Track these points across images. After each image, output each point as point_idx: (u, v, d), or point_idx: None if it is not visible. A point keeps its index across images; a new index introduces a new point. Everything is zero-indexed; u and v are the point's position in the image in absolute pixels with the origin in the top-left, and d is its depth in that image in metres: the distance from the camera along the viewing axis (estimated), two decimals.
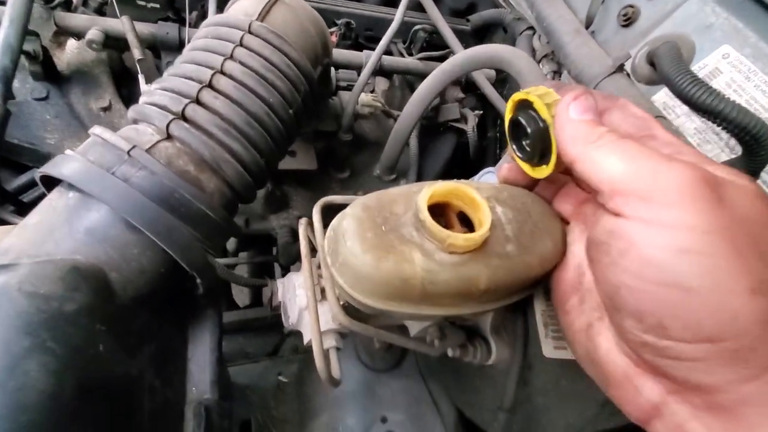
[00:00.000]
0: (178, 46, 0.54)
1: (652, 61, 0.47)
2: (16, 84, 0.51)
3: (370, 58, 0.56)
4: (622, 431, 0.35)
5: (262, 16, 0.35)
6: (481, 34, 0.80)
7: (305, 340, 0.32)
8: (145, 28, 0.54)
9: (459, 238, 0.22)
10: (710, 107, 0.36)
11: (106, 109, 0.55)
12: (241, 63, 0.32)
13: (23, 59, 0.50)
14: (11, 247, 0.25)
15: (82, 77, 0.57)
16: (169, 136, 0.29)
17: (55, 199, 0.28)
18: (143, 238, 0.27)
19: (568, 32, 0.59)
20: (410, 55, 0.70)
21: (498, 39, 0.83)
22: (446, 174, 0.68)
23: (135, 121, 0.32)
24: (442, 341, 0.34)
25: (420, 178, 0.61)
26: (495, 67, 0.46)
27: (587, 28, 0.61)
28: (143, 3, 0.61)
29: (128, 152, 0.27)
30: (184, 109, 0.30)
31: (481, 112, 0.70)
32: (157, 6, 0.62)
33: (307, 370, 0.56)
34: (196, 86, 0.31)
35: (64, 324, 0.23)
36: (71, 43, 0.57)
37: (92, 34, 0.50)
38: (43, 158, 0.53)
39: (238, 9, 0.37)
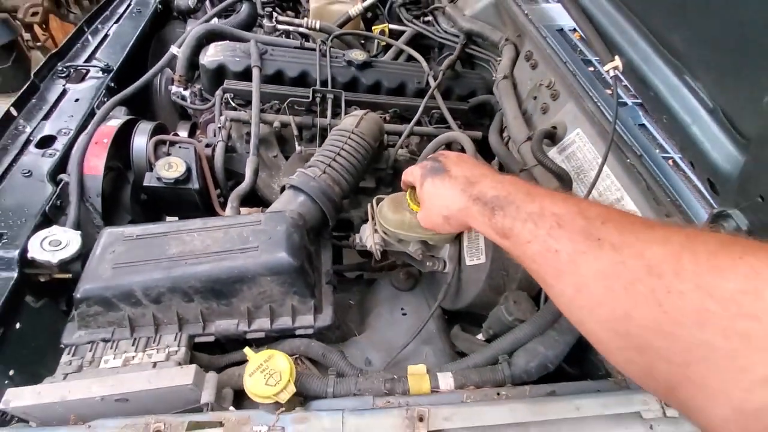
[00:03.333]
0: (311, 126, 1.12)
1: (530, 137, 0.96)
2: (237, 146, 1.12)
3: (406, 128, 1.10)
4: None
5: (358, 125, 0.90)
6: (477, 110, 1.31)
7: (368, 246, 0.84)
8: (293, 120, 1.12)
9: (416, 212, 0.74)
10: (541, 163, 0.84)
11: (275, 156, 1.14)
12: (350, 146, 0.87)
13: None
14: (281, 213, 0.81)
15: (264, 141, 1.16)
16: (324, 172, 0.85)
17: (288, 193, 0.84)
18: (316, 206, 0.82)
19: (512, 116, 1.09)
20: (430, 124, 1.23)
21: (491, 112, 1.33)
22: None
23: (307, 166, 0.88)
24: (423, 255, 0.84)
25: None
26: (458, 142, 0.98)
27: (524, 114, 1.10)
28: None
29: (314, 177, 0.82)
30: (329, 163, 0.85)
31: None
32: None
33: (366, 294, 1.08)
34: (332, 155, 0.86)
35: (298, 229, 0.77)
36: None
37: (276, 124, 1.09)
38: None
39: (345, 122, 0.93)
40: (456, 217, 0.63)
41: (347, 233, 0.97)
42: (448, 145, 1.06)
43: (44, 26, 2.92)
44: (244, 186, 0.90)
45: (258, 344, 0.79)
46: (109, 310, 0.71)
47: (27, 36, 2.89)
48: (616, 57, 0.81)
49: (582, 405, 0.58)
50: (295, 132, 1.08)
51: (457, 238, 0.87)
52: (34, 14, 2.77)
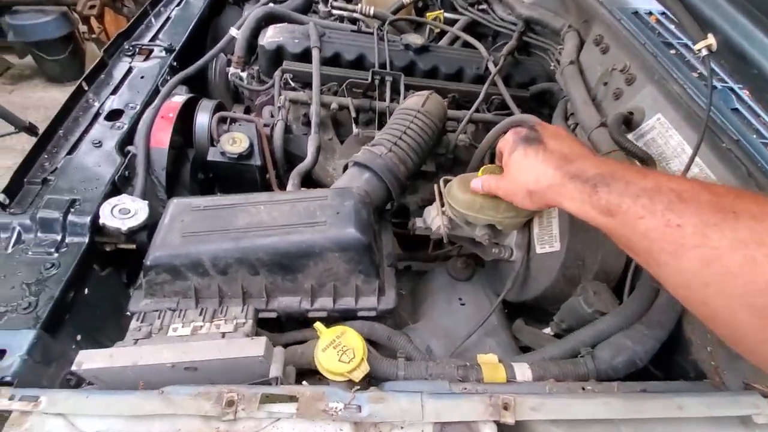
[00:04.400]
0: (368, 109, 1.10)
1: (608, 121, 0.90)
2: (294, 128, 1.11)
3: (465, 114, 1.06)
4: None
5: (423, 104, 0.87)
6: (537, 98, 1.26)
7: (433, 228, 0.80)
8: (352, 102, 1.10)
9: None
10: (623, 147, 0.79)
11: (330, 139, 1.12)
12: (416, 126, 0.84)
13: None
14: (348, 190, 0.79)
15: (320, 123, 1.15)
16: (391, 150, 0.82)
17: (353, 170, 0.81)
18: (381, 184, 0.79)
19: (581, 102, 1.03)
20: (488, 111, 1.19)
21: (550, 100, 1.28)
22: None
23: (372, 145, 0.85)
24: (490, 240, 0.80)
25: None
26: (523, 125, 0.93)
27: (594, 99, 1.04)
28: None
29: (380, 155, 0.80)
30: (395, 142, 0.82)
31: None
32: None
33: (419, 284, 1.05)
34: (399, 133, 0.83)
35: (365, 206, 0.75)
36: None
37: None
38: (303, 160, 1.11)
39: (409, 101, 0.90)
40: (542, 194, 0.58)
41: (403, 219, 0.95)
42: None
43: (100, 19, 3.04)
44: (305, 163, 0.89)
45: None
46: (177, 279, 0.70)
47: (83, 28, 3.02)
48: (710, 35, 0.75)
49: (685, 404, 0.53)
50: (353, 114, 1.06)
51: (526, 225, 0.83)
52: (92, 7, 2.89)
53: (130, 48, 1.13)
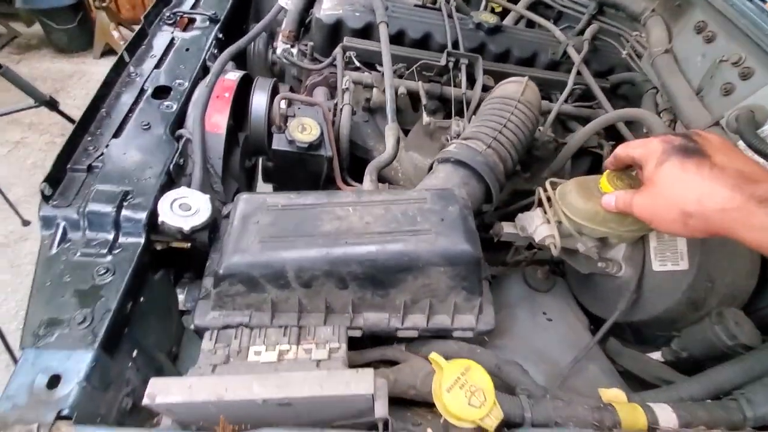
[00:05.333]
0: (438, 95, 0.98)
1: (737, 119, 0.79)
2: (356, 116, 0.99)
3: (549, 107, 0.95)
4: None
5: (523, 93, 0.76)
6: (615, 88, 1.14)
7: (537, 239, 0.70)
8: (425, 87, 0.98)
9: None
10: (759, 150, 0.68)
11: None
12: (517, 118, 0.73)
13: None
14: (449, 192, 0.68)
15: (379, 110, 1.03)
16: (489, 146, 0.71)
17: (446, 167, 0.70)
18: (481, 185, 0.69)
19: (684, 97, 0.92)
20: (566, 102, 1.07)
21: (628, 92, 1.16)
22: None
23: (465, 138, 0.74)
24: (600, 253, 0.70)
25: None
26: (638, 121, 0.82)
27: (698, 94, 0.93)
28: None
29: (480, 152, 0.69)
30: (495, 136, 0.71)
31: (614, 142, 1.04)
32: None
33: (492, 288, 0.95)
34: (499, 127, 0.72)
35: (470, 212, 0.64)
36: (375, 91, 1.04)
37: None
38: (365, 151, 0.99)
39: (506, 89, 0.78)
40: (705, 218, 0.48)
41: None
42: (610, 134, 0.90)
43: None
44: (385, 156, 0.77)
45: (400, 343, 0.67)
46: (252, 291, 0.60)
47: None
48: None
49: None
50: (424, 101, 0.94)
51: (641, 238, 0.72)
52: None
53: (171, 15, 1.00)
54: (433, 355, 0.52)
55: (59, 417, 0.48)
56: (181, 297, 0.74)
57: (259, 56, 1.25)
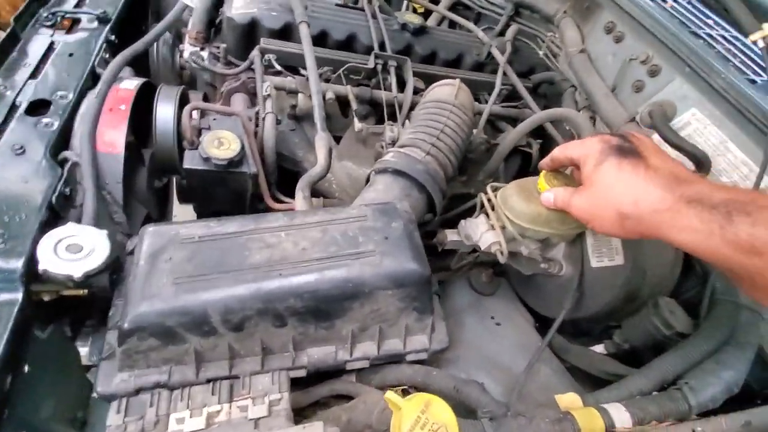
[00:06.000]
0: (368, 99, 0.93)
1: (650, 115, 0.84)
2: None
3: (481, 108, 0.94)
4: None
5: (456, 97, 0.73)
6: (536, 88, 1.18)
7: (483, 247, 0.68)
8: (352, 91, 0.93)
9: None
10: (675, 144, 0.72)
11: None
12: (454, 122, 0.70)
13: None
14: (377, 198, 0.63)
15: (308, 117, 0.96)
16: (428, 153, 0.67)
17: (385, 178, 0.65)
18: (423, 196, 0.65)
19: (601, 95, 0.96)
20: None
21: (548, 91, 1.20)
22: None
23: (402, 146, 0.70)
24: (542, 254, 0.70)
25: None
26: (564, 121, 0.84)
27: (612, 91, 0.98)
28: None
29: (420, 160, 0.65)
30: (433, 143, 0.68)
31: (541, 141, 1.07)
32: None
33: (446, 298, 0.92)
34: (436, 132, 0.69)
35: (415, 226, 0.60)
36: (301, 97, 0.96)
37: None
38: (294, 162, 0.91)
39: (439, 92, 0.75)
40: (640, 219, 0.48)
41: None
42: (536, 132, 0.92)
43: None
44: (318, 170, 0.70)
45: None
46: (169, 343, 0.50)
47: None
48: (765, 25, 0.70)
49: None
50: (354, 106, 0.89)
51: (578, 236, 0.73)
52: None
53: (50, 16, 0.84)
54: (389, 395, 0.46)
55: None
56: (84, 350, 0.62)
57: (164, 61, 1.11)
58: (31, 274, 0.52)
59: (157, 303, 0.49)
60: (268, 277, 0.51)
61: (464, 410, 0.57)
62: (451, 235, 0.75)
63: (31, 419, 0.52)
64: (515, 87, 1.02)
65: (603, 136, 0.54)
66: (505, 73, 1.03)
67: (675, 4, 1.00)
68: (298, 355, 0.56)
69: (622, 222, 0.49)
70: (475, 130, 0.89)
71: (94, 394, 0.51)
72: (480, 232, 0.68)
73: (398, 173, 0.65)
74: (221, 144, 0.69)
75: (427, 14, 1.38)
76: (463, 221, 0.73)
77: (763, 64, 0.73)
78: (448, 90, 0.75)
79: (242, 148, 0.70)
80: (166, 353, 0.51)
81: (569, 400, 0.58)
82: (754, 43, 0.70)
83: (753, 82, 0.79)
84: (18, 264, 0.51)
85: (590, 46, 1.08)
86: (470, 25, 1.18)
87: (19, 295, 0.50)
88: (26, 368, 0.51)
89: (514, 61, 1.17)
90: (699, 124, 0.82)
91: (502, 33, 1.22)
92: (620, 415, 0.54)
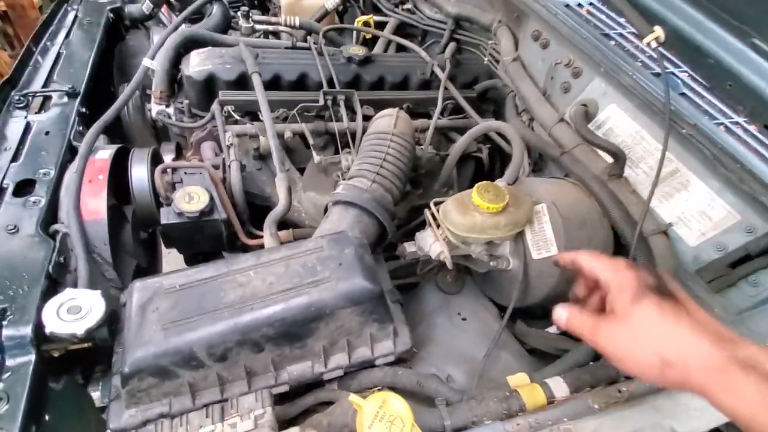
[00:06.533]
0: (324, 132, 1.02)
1: (571, 115, 0.93)
2: (244, 163, 1.00)
3: (426, 124, 1.03)
4: None
5: (395, 125, 0.82)
6: (482, 96, 1.27)
7: (433, 255, 0.77)
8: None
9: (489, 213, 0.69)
10: (592, 142, 0.82)
11: (288, 170, 1.03)
12: (394, 149, 0.79)
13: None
14: (342, 234, 0.72)
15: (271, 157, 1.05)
16: (374, 182, 0.76)
17: (338, 210, 0.75)
18: (373, 220, 0.74)
19: (534, 99, 1.06)
20: (442, 116, 1.18)
21: (495, 96, 1.30)
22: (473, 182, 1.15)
23: (350, 178, 0.79)
24: (489, 255, 0.79)
25: (459, 188, 1.08)
26: (499, 133, 0.93)
27: (544, 95, 1.07)
28: None
29: (366, 188, 0.74)
30: (377, 171, 0.77)
31: (490, 145, 1.16)
32: None
33: (410, 303, 1.01)
34: (379, 162, 0.78)
35: (366, 250, 0.69)
36: (262, 139, 1.05)
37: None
38: (263, 198, 1.00)
39: (379, 124, 0.84)
40: (687, 372, 0.44)
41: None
42: (486, 137, 1.01)
43: None
44: (280, 209, 0.80)
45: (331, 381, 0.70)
46: (165, 380, 0.59)
47: None
48: (656, 27, 0.80)
49: None
50: (311, 141, 0.98)
51: (519, 233, 0.83)
52: None
53: (21, 98, 0.92)
54: (351, 397, 0.55)
55: None
56: (96, 395, 0.70)
57: (135, 121, 1.20)
58: (40, 336, 0.61)
59: (150, 348, 0.58)
60: (242, 312, 0.60)
61: (429, 401, 0.66)
62: (409, 248, 0.84)
63: None
64: (457, 100, 1.12)
65: (638, 271, 0.50)
66: (446, 88, 1.12)
67: (591, 9, 1.10)
68: (279, 374, 0.65)
69: (664, 369, 0.45)
70: (422, 147, 0.99)
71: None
72: (429, 244, 0.78)
73: (348, 203, 0.74)
74: (191, 198, 0.78)
75: (377, 40, 1.48)
76: (417, 234, 0.82)
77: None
78: (386, 121, 0.85)
79: (211, 198, 0.79)
80: (164, 388, 0.60)
81: (518, 379, 0.67)
82: (648, 45, 0.80)
83: (657, 75, 0.89)
84: (27, 330, 0.60)
85: (523, 52, 1.17)
86: (413, 46, 1.27)
87: (32, 357, 0.59)
88: (46, 417, 0.60)
89: (458, 74, 1.27)
90: (618, 117, 0.92)
91: (446, 47, 1.32)
92: (559, 386, 0.63)
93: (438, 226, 0.76)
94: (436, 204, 0.78)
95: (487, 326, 0.90)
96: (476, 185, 0.73)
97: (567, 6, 1.08)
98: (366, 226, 0.74)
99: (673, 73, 0.88)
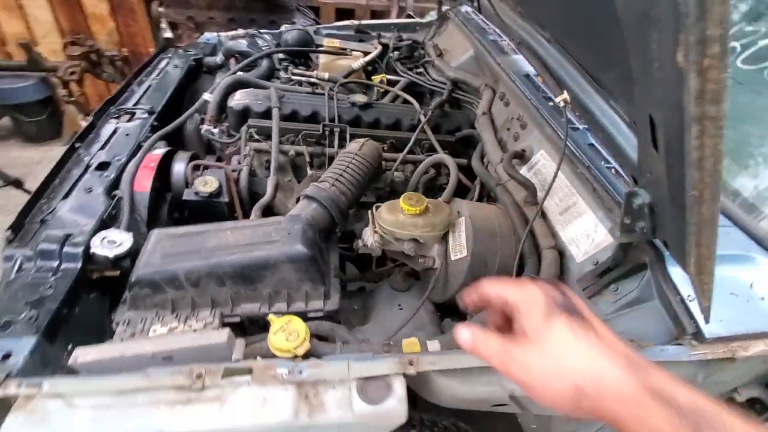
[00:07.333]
0: (321, 154, 1.33)
1: (503, 157, 1.15)
2: (258, 172, 1.31)
3: (400, 155, 1.30)
4: None
5: (360, 149, 1.10)
6: (463, 141, 1.52)
7: (368, 244, 1.00)
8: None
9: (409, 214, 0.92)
10: (512, 175, 1.03)
11: (289, 181, 1.33)
12: (354, 165, 1.06)
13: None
14: (297, 216, 0.99)
15: (281, 167, 1.36)
16: (333, 185, 1.03)
17: (303, 202, 1.02)
18: (326, 212, 0.99)
19: (489, 143, 1.29)
20: (421, 153, 1.44)
21: (473, 143, 1.54)
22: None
23: (318, 182, 1.06)
24: (416, 253, 1.00)
25: None
26: (444, 163, 1.17)
27: (499, 142, 1.30)
28: None
29: (324, 189, 1.01)
30: (337, 178, 1.04)
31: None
32: None
33: (368, 299, 1.22)
34: (339, 171, 1.05)
35: (311, 228, 0.94)
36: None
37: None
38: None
39: (350, 147, 1.13)
40: (601, 403, 0.43)
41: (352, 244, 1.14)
42: (436, 167, 1.25)
43: (79, 83, 3.26)
44: (265, 198, 1.08)
45: None
46: (156, 293, 0.86)
47: (63, 92, 3.23)
48: (564, 91, 1.02)
49: None
50: (307, 159, 1.28)
51: (444, 238, 1.03)
52: (72, 73, 3.12)
53: (116, 111, 1.33)
54: (270, 316, 0.78)
55: (7, 377, 0.70)
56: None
57: (192, 135, 1.59)
58: (87, 255, 0.91)
59: (150, 267, 0.86)
60: (214, 255, 0.87)
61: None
62: (360, 243, 1.08)
63: (76, 340, 0.88)
64: (431, 140, 1.38)
65: (544, 287, 0.49)
66: (424, 131, 1.39)
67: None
68: (235, 307, 0.89)
69: (579, 399, 0.43)
70: (390, 172, 1.25)
71: (113, 324, 0.87)
72: (367, 236, 1.01)
73: (310, 198, 1.01)
74: (206, 184, 1.09)
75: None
76: (363, 230, 1.06)
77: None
78: (355, 145, 1.13)
79: (220, 186, 1.09)
80: (155, 299, 0.86)
81: (410, 341, 0.86)
82: (558, 104, 1.02)
83: (576, 128, 1.09)
84: (79, 250, 0.91)
85: (494, 109, 1.43)
86: (411, 98, 1.58)
87: (78, 266, 0.89)
88: (76, 310, 0.88)
89: (443, 123, 1.54)
90: (544, 160, 1.12)
91: (443, 103, 1.61)
92: (434, 346, 0.81)
93: (373, 224, 1.00)
94: (377, 207, 1.02)
95: (418, 318, 1.08)
96: (404, 194, 0.97)
97: (527, 76, 1.34)
98: (319, 215, 1.00)
99: (588, 129, 1.08)
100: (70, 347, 0.85)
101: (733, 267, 0.78)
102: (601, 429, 0.99)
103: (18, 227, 0.94)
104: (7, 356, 0.74)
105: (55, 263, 0.89)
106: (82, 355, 0.73)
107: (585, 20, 0.81)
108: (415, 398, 0.96)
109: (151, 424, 0.65)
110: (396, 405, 0.68)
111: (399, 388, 0.69)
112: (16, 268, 0.88)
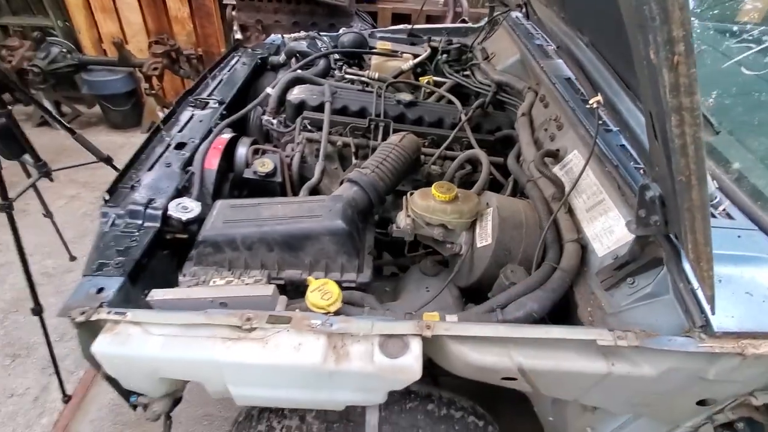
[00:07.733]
0: (366, 146, 1.44)
1: (536, 156, 1.20)
2: (309, 159, 1.46)
3: (437, 151, 1.39)
4: None
5: (400, 141, 1.20)
6: (503, 141, 1.58)
7: (401, 226, 1.10)
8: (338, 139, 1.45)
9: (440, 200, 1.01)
10: (542, 172, 1.08)
11: (336, 168, 1.46)
12: (394, 155, 1.17)
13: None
14: (340, 196, 1.11)
15: (328, 156, 1.50)
16: (374, 171, 1.14)
17: (346, 184, 1.13)
18: (365, 194, 1.11)
19: (525, 143, 1.34)
20: (460, 151, 1.51)
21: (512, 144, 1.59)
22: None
23: (361, 168, 1.18)
24: (444, 237, 1.09)
25: None
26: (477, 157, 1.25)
27: (535, 142, 1.35)
28: None
29: (365, 174, 1.12)
30: (377, 165, 1.15)
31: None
32: None
33: (399, 282, 1.32)
34: (380, 160, 1.16)
35: (351, 207, 1.06)
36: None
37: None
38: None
39: (391, 139, 1.23)
40: None
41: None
42: (472, 164, 1.33)
43: (159, 78, 3.65)
44: (313, 180, 1.22)
45: None
46: (217, 252, 1.01)
47: (145, 86, 3.62)
48: (598, 93, 1.06)
49: (552, 332, 0.78)
50: (353, 150, 1.40)
51: (472, 225, 1.11)
52: (155, 69, 3.50)
53: (193, 101, 1.53)
54: (309, 278, 0.90)
55: (100, 305, 0.88)
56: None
57: (255, 125, 1.78)
58: (165, 217, 1.09)
59: (214, 230, 1.01)
60: (265, 224, 1.01)
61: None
62: (394, 227, 1.18)
63: (150, 286, 1.05)
64: (469, 138, 1.45)
65: None
66: (463, 129, 1.47)
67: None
68: (280, 271, 1.03)
69: None
70: (426, 166, 1.34)
71: (181, 275, 1.03)
72: (400, 219, 1.11)
73: (352, 181, 1.13)
74: (264, 165, 1.24)
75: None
76: (397, 214, 1.16)
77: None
78: (395, 137, 1.23)
79: (275, 167, 1.24)
80: (216, 258, 1.02)
81: (431, 314, 0.94)
82: (590, 106, 1.06)
83: (609, 130, 1.13)
84: (159, 212, 1.08)
85: (533, 110, 1.48)
86: (454, 98, 1.66)
87: (157, 225, 1.07)
88: (153, 262, 1.06)
89: (484, 123, 1.61)
90: (577, 160, 1.16)
91: (486, 104, 1.67)
92: (451, 318, 0.90)
93: (407, 208, 1.09)
94: (411, 194, 1.11)
95: (442, 299, 1.16)
96: (436, 182, 1.06)
97: (567, 79, 1.38)
98: (359, 197, 1.11)
99: (620, 130, 1.11)
100: (146, 292, 1.03)
101: (752, 268, 0.80)
102: (619, 425, 1.02)
103: (113, 191, 1.13)
104: (101, 290, 0.91)
105: (140, 221, 1.07)
106: (158, 294, 0.89)
107: (615, 24, 0.86)
108: (436, 377, 1.05)
109: (208, 353, 0.79)
110: (412, 361, 0.77)
111: (416, 347, 0.78)
112: (110, 223, 1.07)
